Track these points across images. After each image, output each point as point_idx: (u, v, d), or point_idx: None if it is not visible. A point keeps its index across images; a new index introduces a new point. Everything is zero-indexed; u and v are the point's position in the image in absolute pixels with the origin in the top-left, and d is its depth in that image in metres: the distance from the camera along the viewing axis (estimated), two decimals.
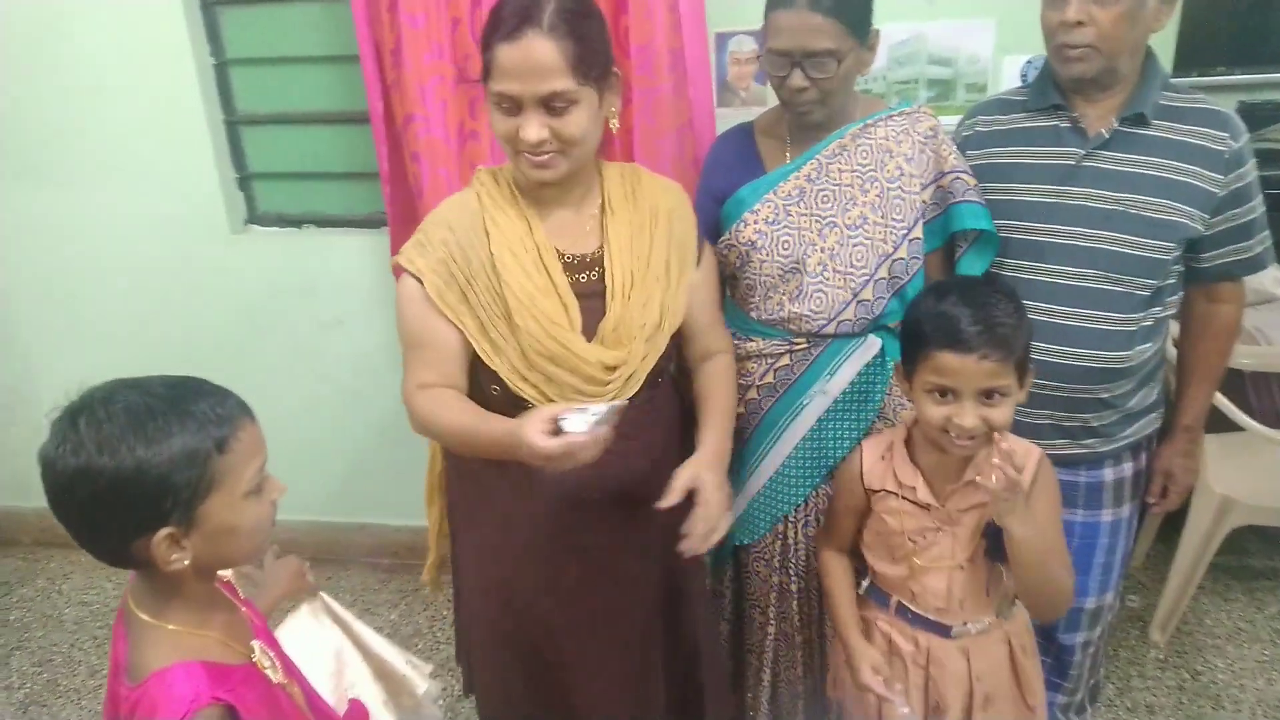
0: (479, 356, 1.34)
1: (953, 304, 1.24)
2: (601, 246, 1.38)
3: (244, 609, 1.11)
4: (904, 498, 1.36)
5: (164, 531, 0.90)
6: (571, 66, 1.22)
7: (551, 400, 1.32)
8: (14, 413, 2.90)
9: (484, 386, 1.38)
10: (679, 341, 1.48)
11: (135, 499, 0.87)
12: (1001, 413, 1.24)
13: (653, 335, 1.38)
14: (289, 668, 1.12)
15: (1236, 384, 2.28)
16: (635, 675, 1.53)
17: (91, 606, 2.72)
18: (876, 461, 1.40)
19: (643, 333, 1.36)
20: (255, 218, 2.68)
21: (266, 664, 1.02)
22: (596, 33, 1.27)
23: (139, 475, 0.87)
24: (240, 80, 2.56)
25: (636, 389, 1.37)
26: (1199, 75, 2.28)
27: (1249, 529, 2.26)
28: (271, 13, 2.47)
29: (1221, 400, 2.10)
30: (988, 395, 1.23)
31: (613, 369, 1.35)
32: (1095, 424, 1.58)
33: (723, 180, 1.63)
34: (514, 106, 1.25)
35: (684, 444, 1.49)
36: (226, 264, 2.62)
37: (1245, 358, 2.15)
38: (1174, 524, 2.28)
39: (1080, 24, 1.40)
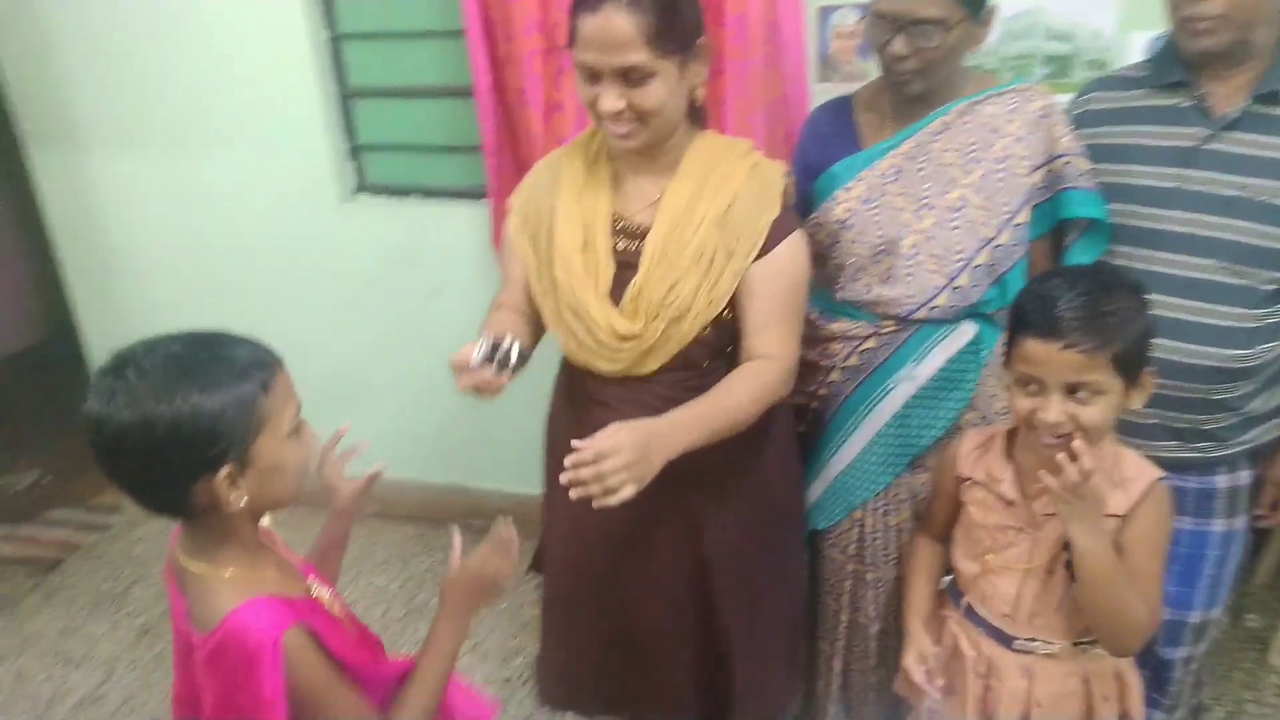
0: None
1: (1054, 286, 1.18)
2: None
3: (288, 555, 1.16)
4: (990, 490, 1.30)
5: (225, 470, 0.95)
6: (649, 40, 1.22)
7: (573, 352, 1.41)
8: None
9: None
10: (734, 335, 1.41)
11: (194, 442, 0.92)
12: (1091, 412, 1.16)
13: (680, 318, 1.34)
14: (344, 608, 1.18)
15: None
16: (664, 666, 1.57)
17: None
18: (973, 450, 1.35)
19: (666, 311, 1.34)
20: (364, 187, 2.77)
21: (325, 598, 1.09)
22: (682, 3, 1.27)
23: (195, 418, 0.91)
24: (352, 54, 2.65)
25: (656, 366, 1.37)
26: None
27: None
28: None
29: None
30: (1074, 390, 1.15)
31: (625, 339, 1.35)
32: (1209, 427, 1.48)
33: (817, 154, 1.58)
34: (594, 75, 1.26)
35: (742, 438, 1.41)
36: (337, 231, 2.73)
37: None
38: None
39: None
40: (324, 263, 2.75)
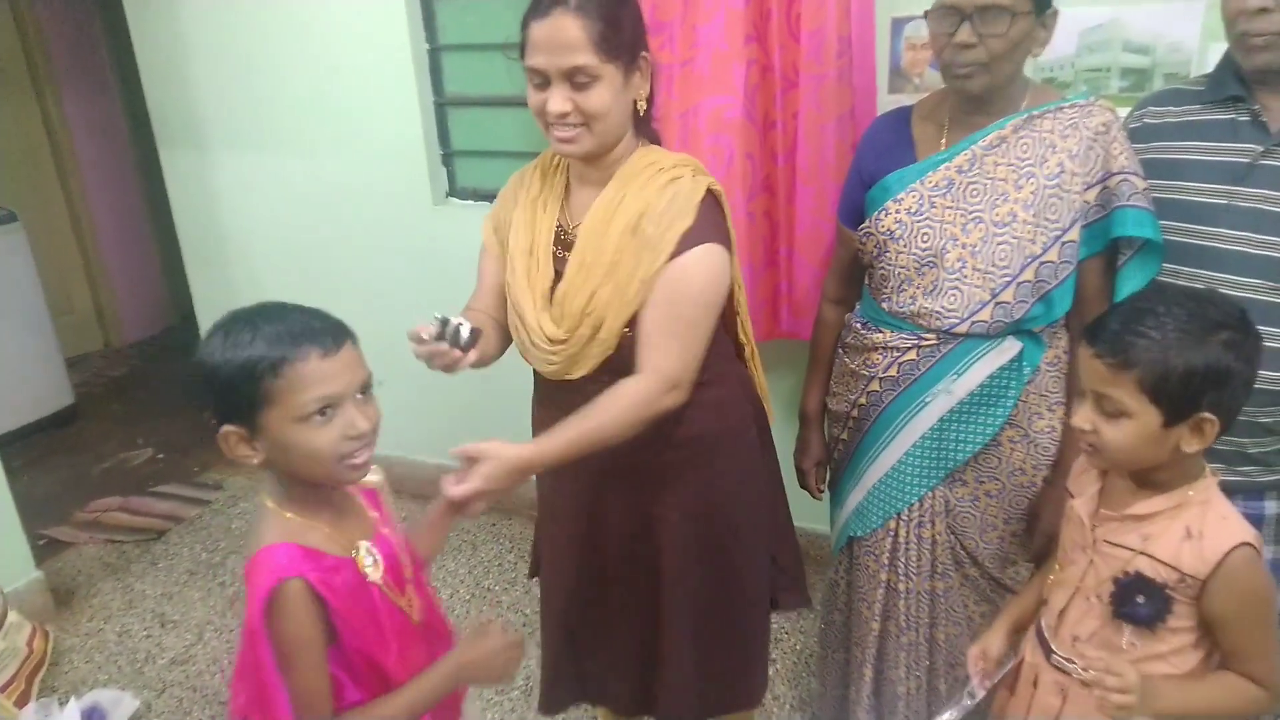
0: None
1: (1142, 298, 1.17)
2: None
3: (375, 515, 1.22)
4: (1073, 505, 1.28)
5: (227, 428, 1.05)
6: (594, 43, 1.28)
7: (523, 356, 1.48)
8: None
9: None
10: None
11: (212, 393, 1.04)
12: (1113, 432, 1.11)
13: (598, 327, 1.37)
14: (416, 584, 1.24)
15: None
16: (638, 657, 1.63)
17: None
18: (1081, 463, 1.31)
19: (588, 320, 1.38)
20: (454, 191, 2.92)
21: (368, 563, 1.14)
22: (625, 15, 1.34)
23: (213, 374, 1.03)
24: (450, 65, 2.80)
25: (585, 372, 1.41)
26: None
27: None
28: (480, 4, 2.68)
29: None
30: (1101, 401, 1.13)
31: (554, 343, 1.41)
32: (1253, 450, 1.43)
33: (872, 164, 1.60)
34: (543, 81, 1.33)
35: (677, 435, 1.47)
36: (428, 232, 2.88)
37: None
38: None
39: (1266, 9, 1.27)
40: (418, 261, 2.90)
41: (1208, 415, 1.08)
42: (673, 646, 1.58)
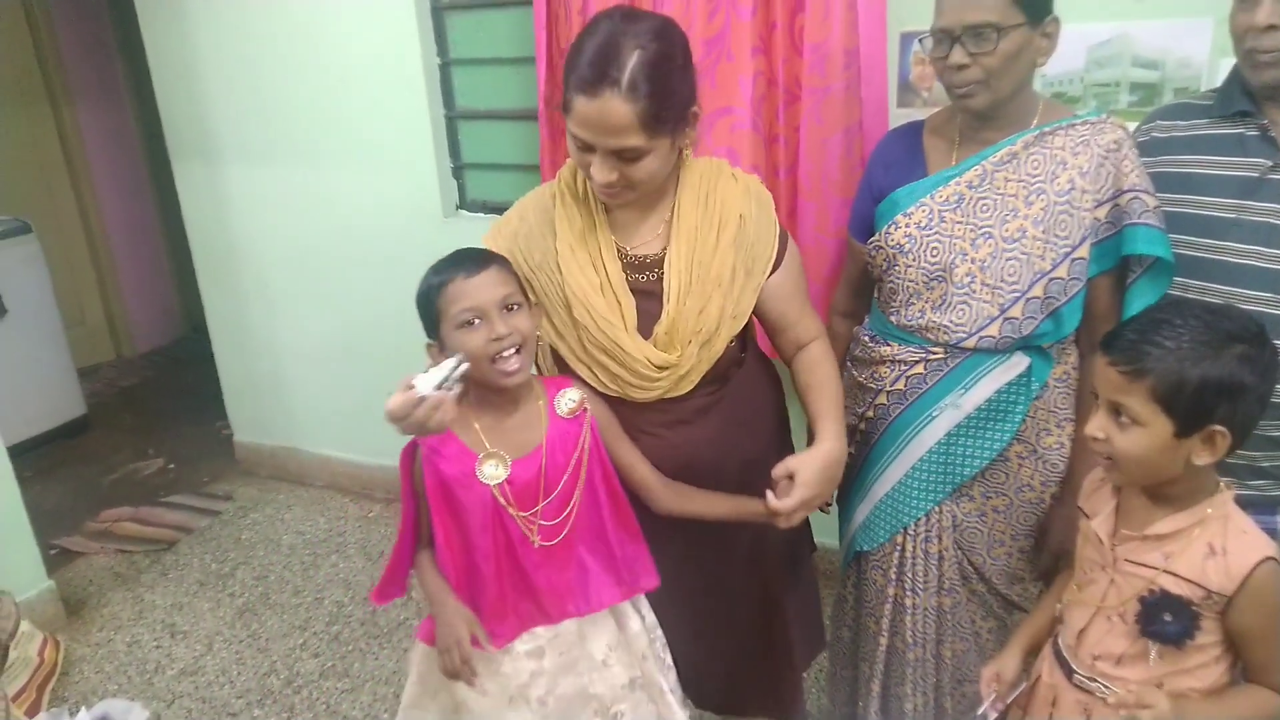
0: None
1: (1159, 308, 1.17)
2: (665, 249, 1.42)
3: (546, 438, 1.38)
4: (1089, 523, 1.28)
5: (428, 341, 1.37)
6: (644, 125, 1.25)
7: (606, 385, 1.44)
8: (262, 361, 3.37)
9: (559, 368, 1.52)
10: (751, 338, 1.51)
11: (421, 319, 1.37)
12: (1126, 440, 1.12)
13: (709, 340, 1.41)
14: (552, 513, 1.38)
15: None
16: (722, 632, 1.63)
17: (305, 536, 3.11)
18: (1094, 481, 1.31)
19: (698, 337, 1.39)
20: (465, 204, 2.94)
21: (488, 466, 1.35)
22: (677, 84, 1.29)
23: (418, 301, 1.36)
24: (460, 79, 2.82)
25: (690, 388, 1.43)
26: None
27: None
28: (486, 18, 2.70)
29: None
30: (1116, 410, 1.13)
31: (662, 369, 1.40)
32: (1265, 464, 1.43)
33: (882, 178, 1.60)
34: (588, 148, 1.30)
35: (779, 434, 1.55)
36: (438, 244, 2.82)
37: None
38: None
39: (1273, 27, 1.28)
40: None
41: (1219, 428, 1.08)
42: (792, 601, 1.67)
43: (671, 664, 1.54)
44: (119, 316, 4.74)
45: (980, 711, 1.33)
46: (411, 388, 1.21)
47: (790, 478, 1.37)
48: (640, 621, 1.50)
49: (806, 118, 2.10)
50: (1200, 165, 1.44)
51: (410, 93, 2.77)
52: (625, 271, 1.42)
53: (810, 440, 1.49)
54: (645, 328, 1.41)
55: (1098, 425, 1.15)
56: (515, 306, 1.33)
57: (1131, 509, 1.21)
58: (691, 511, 1.48)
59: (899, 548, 1.63)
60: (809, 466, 1.37)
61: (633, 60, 1.24)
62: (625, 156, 1.29)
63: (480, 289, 1.30)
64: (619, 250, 1.43)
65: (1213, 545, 1.12)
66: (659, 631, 1.53)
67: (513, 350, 1.31)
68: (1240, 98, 1.40)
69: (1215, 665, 1.17)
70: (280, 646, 2.55)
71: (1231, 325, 1.09)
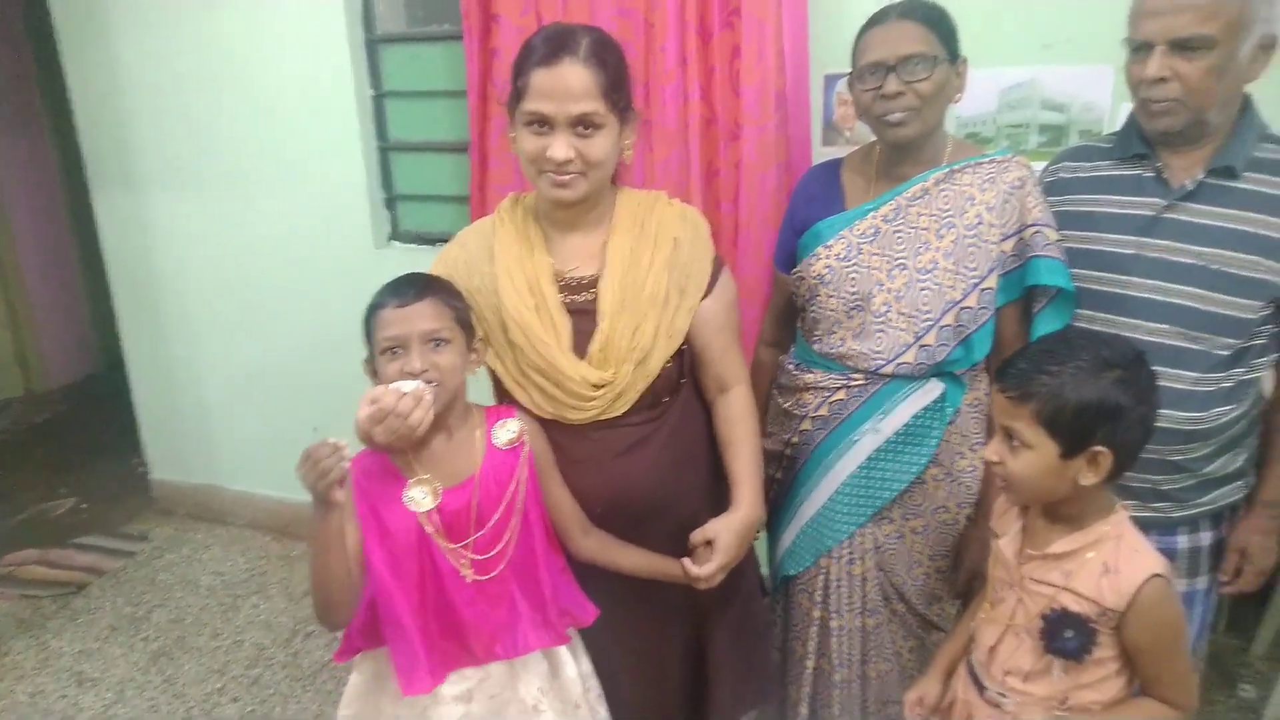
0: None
1: (1048, 340, 1.22)
2: (601, 270, 1.44)
3: (480, 469, 1.36)
4: (999, 544, 1.32)
5: (365, 359, 1.36)
6: (602, 93, 1.32)
7: (542, 406, 1.44)
8: (183, 395, 3.27)
9: (497, 392, 1.53)
10: (688, 365, 1.52)
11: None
12: (1017, 463, 1.18)
13: (644, 359, 1.42)
14: (485, 547, 1.35)
15: None
16: (654, 669, 1.60)
17: (224, 577, 3.01)
18: (1005, 501, 1.35)
19: (633, 355, 1.41)
20: (397, 235, 2.92)
21: (415, 492, 1.33)
22: (624, 70, 1.38)
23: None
24: (393, 111, 2.82)
25: (627, 408, 1.44)
26: None
27: None
28: (421, 50, 2.71)
29: None
30: (1008, 435, 1.19)
31: (598, 387, 1.41)
32: (1166, 487, 1.49)
33: (804, 212, 1.66)
34: (545, 126, 1.34)
35: (717, 469, 1.55)
36: (370, 275, 2.79)
37: None
38: None
39: (1164, 79, 1.36)
40: (360, 305, 2.86)
41: (1101, 448, 1.14)
42: (721, 648, 1.64)
43: (606, 716, 1.51)
44: (30, 350, 4.55)
45: None
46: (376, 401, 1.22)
47: (708, 543, 1.43)
48: (575, 668, 1.47)
49: (745, 154, 2.18)
50: (1102, 205, 1.52)
51: (342, 123, 2.75)
52: (562, 293, 1.44)
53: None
54: (581, 348, 1.42)
55: (993, 449, 1.22)
56: (441, 343, 1.31)
57: (1035, 529, 1.26)
58: (609, 562, 1.48)
59: (824, 571, 1.66)
60: (727, 533, 1.43)
61: (587, 38, 1.34)
62: (583, 129, 1.33)
63: (406, 320, 1.29)
64: (556, 273, 1.45)
65: (1107, 564, 1.17)
66: (594, 680, 1.50)
67: (427, 384, 1.28)
68: (1137, 141, 1.48)
69: (1115, 678, 1.22)
70: (197, 692, 2.45)
71: (1109, 352, 1.15)
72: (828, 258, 1.59)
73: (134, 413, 3.40)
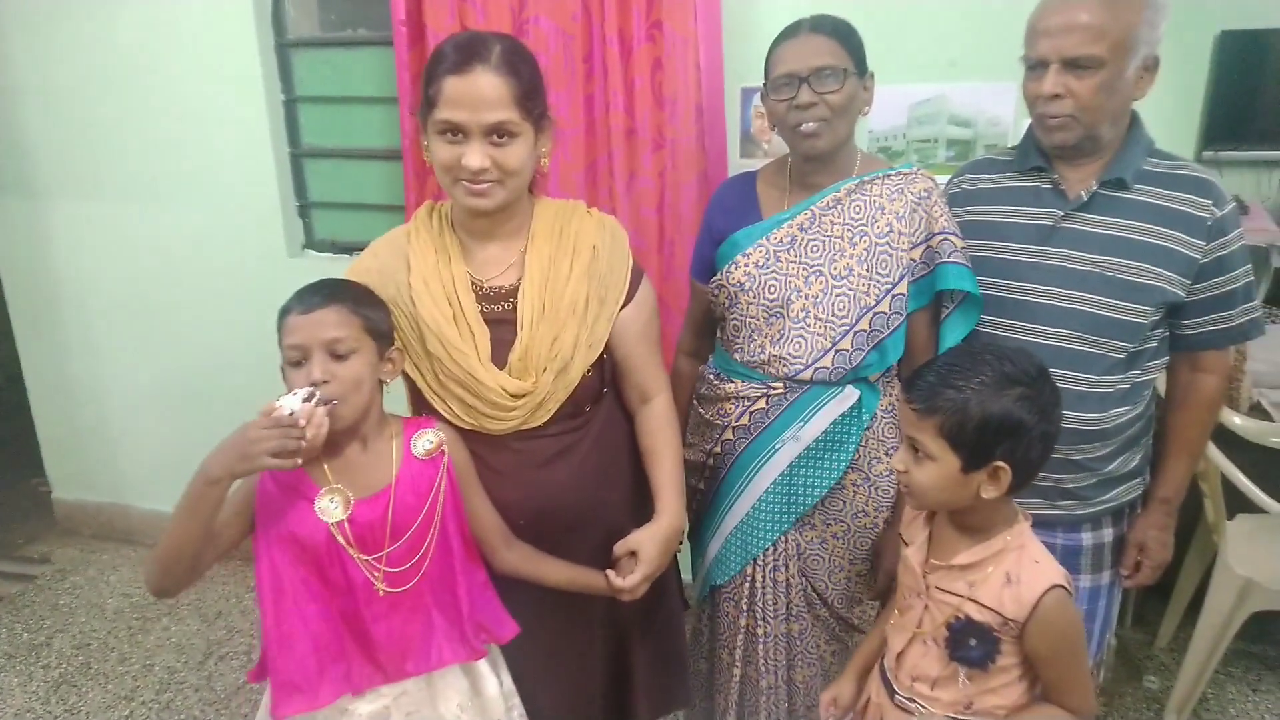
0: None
1: (956, 353, 1.25)
2: (520, 279, 1.43)
3: (395, 479, 1.33)
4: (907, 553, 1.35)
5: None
6: (516, 102, 1.31)
7: (461, 417, 1.42)
8: (86, 411, 3.13)
9: (414, 401, 1.50)
10: (609, 374, 1.52)
11: None
12: (919, 472, 1.21)
13: (565, 368, 1.42)
14: (400, 560, 1.32)
15: (1276, 463, 2.20)
16: (578, 682, 1.59)
17: (133, 599, 2.89)
18: (913, 509, 1.37)
19: (553, 364, 1.41)
20: (311, 243, 2.86)
21: (325, 501, 1.29)
22: (537, 78, 1.37)
23: None
24: (306, 116, 2.76)
25: (548, 418, 1.43)
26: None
27: None
28: (337, 56, 2.66)
29: (1243, 480, 2.04)
30: (913, 446, 1.22)
31: (518, 397, 1.40)
32: (1070, 485, 1.55)
33: (721, 222, 1.68)
34: (459, 135, 1.32)
35: (640, 479, 1.55)
36: (283, 284, 2.72)
37: (1276, 436, 2.08)
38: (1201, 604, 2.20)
39: (1058, 96, 1.42)
40: (273, 314, 2.79)
41: (1002, 464, 1.16)
42: (642, 657, 1.65)
43: None
44: None
45: None
46: (276, 409, 1.18)
47: (632, 554, 1.44)
48: (498, 686, 1.45)
49: (669, 165, 2.21)
50: (1003, 215, 1.58)
51: (254, 129, 2.68)
52: (480, 303, 1.42)
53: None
54: (501, 357, 1.41)
55: (899, 458, 1.25)
56: (345, 354, 1.27)
57: (942, 539, 1.29)
58: (533, 575, 1.46)
59: (749, 579, 1.68)
60: (650, 543, 1.44)
61: (498, 45, 1.32)
62: (498, 138, 1.32)
63: (307, 327, 1.25)
64: (473, 283, 1.44)
65: (1009, 574, 1.20)
66: (517, 699, 1.48)
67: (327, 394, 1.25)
68: (1035, 155, 1.55)
69: (1018, 684, 1.25)
70: None
71: (1013, 369, 1.17)
72: (746, 265, 1.61)
73: (34, 430, 3.24)
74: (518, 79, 1.31)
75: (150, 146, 2.76)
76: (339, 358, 1.27)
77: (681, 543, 1.78)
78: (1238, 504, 2.11)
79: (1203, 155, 2.17)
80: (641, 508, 1.53)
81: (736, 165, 2.28)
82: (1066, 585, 1.20)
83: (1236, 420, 2.06)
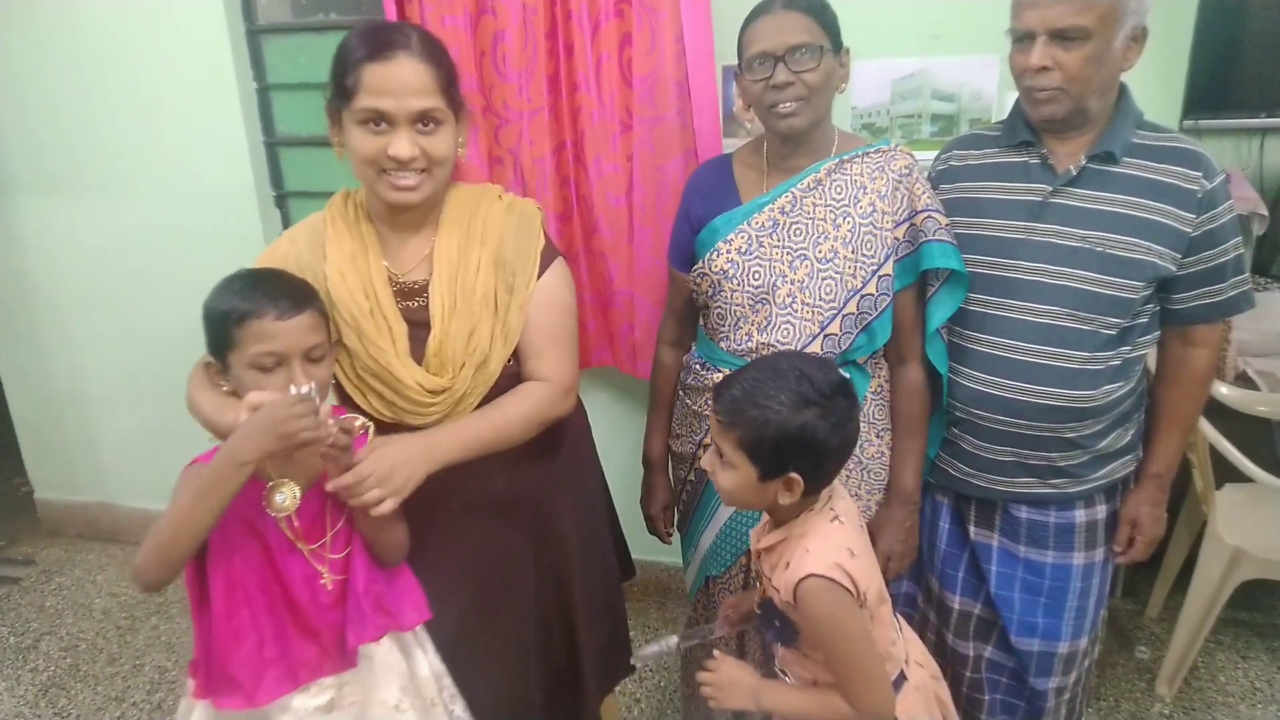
0: None
1: (753, 369, 1.25)
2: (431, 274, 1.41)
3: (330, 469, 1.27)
4: None
5: (207, 358, 1.30)
6: (440, 88, 1.30)
7: (381, 411, 1.40)
8: (66, 410, 3.09)
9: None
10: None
11: (205, 330, 1.27)
12: (724, 476, 1.25)
13: (484, 362, 1.39)
14: (335, 549, 1.32)
15: (1263, 433, 2.21)
16: (513, 661, 1.58)
17: (120, 599, 2.86)
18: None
19: (471, 359, 1.38)
20: None
21: (279, 495, 1.26)
22: (453, 66, 1.36)
23: (205, 313, 1.26)
24: (279, 104, 2.71)
25: (471, 410, 1.41)
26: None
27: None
28: (309, 41, 2.61)
29: (1230, 450, 2.04)
30: (718, 449, 1.25)
31: (437, 393, 1.38)
32: (1062, 464, 1.55)
33: (699, 208, 1.65)
34: (383, 125, 1.28)
35: (570, 451, 1.58)
36: None
37: (1262, 405, 2.08)
38: (1190, 573, 2.21)
39: (1046, 68, 1.40)
40: None
41: (795, 476, 1.21)
42: (584, 629, 1.63)
43: (464, 713, 1.47)
44: None
45: (707, 628, 1.50)
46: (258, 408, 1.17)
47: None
48: (428, 667, 1.44)
49: (638, 145, 2.15)
50: (990, 191, 1.56)
51: (228, 119, 2.63)
52: (397, 298, 1.40)
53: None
54: (419, 353, 1.38)
55: (707, 459, 1.29)
56: (319, 359, 1.26)
57: (768, 523, 1.34)
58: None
59: (744, 569, 1.67)
60: (385, 447, 1.28)
61: (415, 34, 1.30)
62: (424, 126, 1.30)
63: (290, 334, 1.22)
64: (390, 276, 1.41)
65: (789, 561, 1.24)
66: (447, 680, 1.46)
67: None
68: (1023, 129, 1.53)
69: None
70: None
71: (810, 389, 1.20)
72: (729, 252, 1.58)
73: (13, 430, 3.20)
74: (439, 66, 1.30)
75: (121, 139, 2.70)
76: (314, 361, 1.26)
77: (670, 532, 1.79)
78: (1225, 473, 2.12)
79: (1183, 124, 2.16)
80: (578, 488, 1.56)
81: (723, 145, 2.25)
82: (829, 577, 1.20)
83: (1223, 390, 2.07)
